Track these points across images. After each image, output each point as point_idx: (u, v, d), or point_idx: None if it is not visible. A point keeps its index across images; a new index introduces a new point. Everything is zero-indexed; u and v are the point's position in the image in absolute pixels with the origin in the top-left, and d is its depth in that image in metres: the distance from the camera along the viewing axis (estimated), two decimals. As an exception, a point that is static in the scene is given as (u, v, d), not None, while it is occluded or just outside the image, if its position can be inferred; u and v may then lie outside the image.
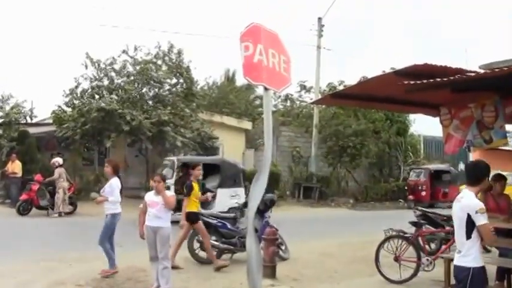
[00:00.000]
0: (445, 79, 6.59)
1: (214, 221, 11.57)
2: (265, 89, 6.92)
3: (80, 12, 64.27)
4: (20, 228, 16.39)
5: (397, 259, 9.72)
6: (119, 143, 24.39)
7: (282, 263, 11.29)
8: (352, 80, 26.98)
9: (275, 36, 7.44)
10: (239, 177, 19.16)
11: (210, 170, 18.94)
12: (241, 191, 18.65)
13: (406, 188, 28.96)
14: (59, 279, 9.47)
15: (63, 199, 18.99)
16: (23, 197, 18.98)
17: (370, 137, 29.89)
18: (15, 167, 20.88)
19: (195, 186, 10.79)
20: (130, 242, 11.18)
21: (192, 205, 10.67)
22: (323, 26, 31.50)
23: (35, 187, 18.95)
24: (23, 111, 25.88)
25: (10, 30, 64.83)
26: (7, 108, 25.08)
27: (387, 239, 9.92)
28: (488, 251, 9.68)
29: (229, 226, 11.64)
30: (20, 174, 20.80)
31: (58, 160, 19.64)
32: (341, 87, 27.06)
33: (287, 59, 7.46)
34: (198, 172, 11.02)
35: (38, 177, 19.43)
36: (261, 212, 10.90)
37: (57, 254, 11.67)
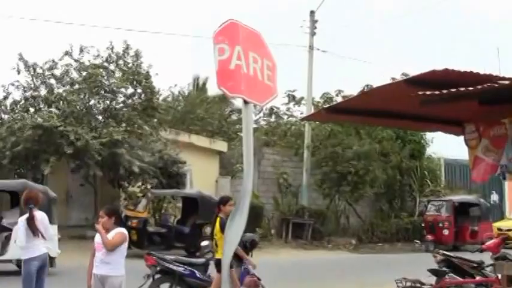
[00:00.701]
0: (471, 88, 6.54)
1: (179, 269, 11.43)
2: (245, 102, 6.98)
3: (10, 3, 64.10)
4: None
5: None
6: (60, 169, 24.23)
7: (266, 321, 11.17)
8: (353, 89, 27.15)
9: (257, 36, 7.52)
10: (51, 211, 17.93)
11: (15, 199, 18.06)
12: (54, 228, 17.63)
13: (423, 225, 28.94)
14: None
15: None
16: None
17: (376, 161, 29.89)
18: None
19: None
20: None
21: None
22: (316, 21, 31.64)
23: None
24: None
25: None
26: None
27: (400, 291, 9.83)
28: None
29: (198, 275, 11.49)
30: None
31: None
32: (339, 99, 27.27)
33: (272, 64, 7.53)
34: (230, 208, 10.46)
35: None
36: (240, 256, 10.81)
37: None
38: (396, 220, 30.88)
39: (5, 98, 24.90)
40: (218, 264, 10.06)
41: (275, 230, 28.86)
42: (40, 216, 9.90)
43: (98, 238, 8.68)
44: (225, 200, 11.00)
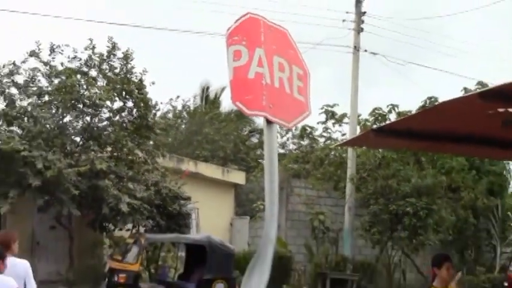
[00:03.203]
0: None
1: None
2: (268, 121, 6.90)
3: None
4: None
5: None
6: (24, 206, 24.07)
7: None
8: (412, 104, 27.06)
9: (284, 35, 7.52)
10: None
11: None
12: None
13: (506, 284, 28.61)
14: None
15: None
16: None
17: (442, 198, 29.78)
18: None
19: None
20: None
21: None
22: (363, 13, 31.41)
23: None
24: None
25: None
26: None
27: None
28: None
29: None
30: None
31: None
32: (393, 117, 27.16)
33: (304, 72, 7.51)
34: (450, 273, 9.42)
35: None
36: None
37: None
38: (470, 277, 30.59)
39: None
40: None
41: (307, 287, 28.83)
42: (12, 263, 10.34)
43: None
44: (441, 260, 9.54)
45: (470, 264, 31.70)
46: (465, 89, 25.33)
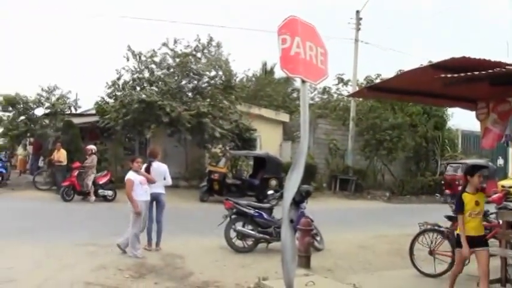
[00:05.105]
0: (484, 72, 6.38)
1: (251, 211, 11.72)
2: (302, 81, 6.95)
3: (121, 5, 64.99)
4: (64, 213, 16.75)
5: (431, 253, 9.61)
6: (159, 134, 24.45)
7: (317, 253, 11.32)
8: (389, 73, 26.67)
9: (312, 29, 7.41)
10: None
11: None
12: None
13: (442, 182, 28.36)
14: (101, 263, 9.63)
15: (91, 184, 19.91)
16: (65, 183, 19.79)
17: (407, 131, 29.51)
18: (61, 155, 21.43)
19: (469, 197, 8.19)
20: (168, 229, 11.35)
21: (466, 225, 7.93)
22: (361, 19, 31.01)
23: (75, 173, 19.83)
24: (67, 102, 26.16)
25: (56, 24, 66.04)
26: (53, 99, 25.41)
27: (422, 232, 9.80)
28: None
29: (265, 216, 11.75)
30: (65, 163, 21.35)
31: (94, 147, 20.65)
32: (378, 81, 26.73)
33: (324, 51, 7.43)
34: (479, 180, 8.17)
35: (76, 164, 20.25)
36: (297, 202, 10.83)
37: (98, 239, 11.88)
38: (421, 178, 30.41)
39: (118, 79, 25.20)
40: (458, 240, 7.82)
41: (326, 183, 28.83)
42: (157, 165, 11.54)
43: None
44: (474, 170, 8.21)
45: (422, 171, 31.42)
46: (421, 64, 24.78)
